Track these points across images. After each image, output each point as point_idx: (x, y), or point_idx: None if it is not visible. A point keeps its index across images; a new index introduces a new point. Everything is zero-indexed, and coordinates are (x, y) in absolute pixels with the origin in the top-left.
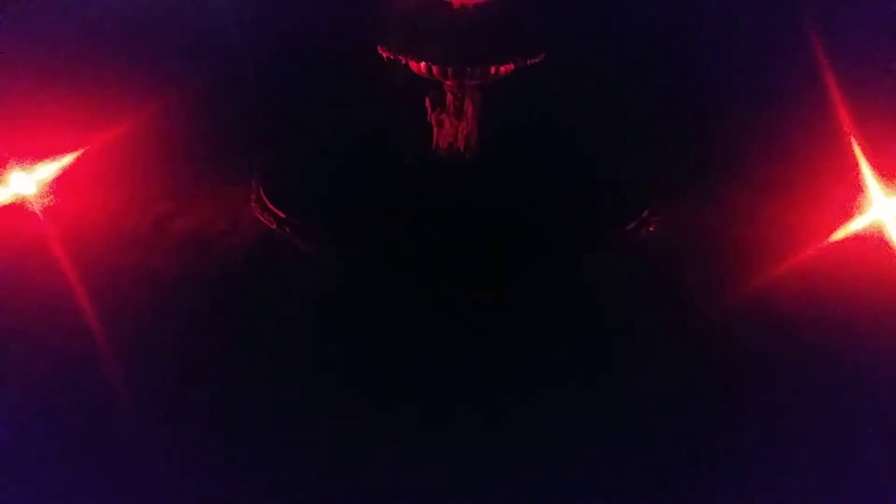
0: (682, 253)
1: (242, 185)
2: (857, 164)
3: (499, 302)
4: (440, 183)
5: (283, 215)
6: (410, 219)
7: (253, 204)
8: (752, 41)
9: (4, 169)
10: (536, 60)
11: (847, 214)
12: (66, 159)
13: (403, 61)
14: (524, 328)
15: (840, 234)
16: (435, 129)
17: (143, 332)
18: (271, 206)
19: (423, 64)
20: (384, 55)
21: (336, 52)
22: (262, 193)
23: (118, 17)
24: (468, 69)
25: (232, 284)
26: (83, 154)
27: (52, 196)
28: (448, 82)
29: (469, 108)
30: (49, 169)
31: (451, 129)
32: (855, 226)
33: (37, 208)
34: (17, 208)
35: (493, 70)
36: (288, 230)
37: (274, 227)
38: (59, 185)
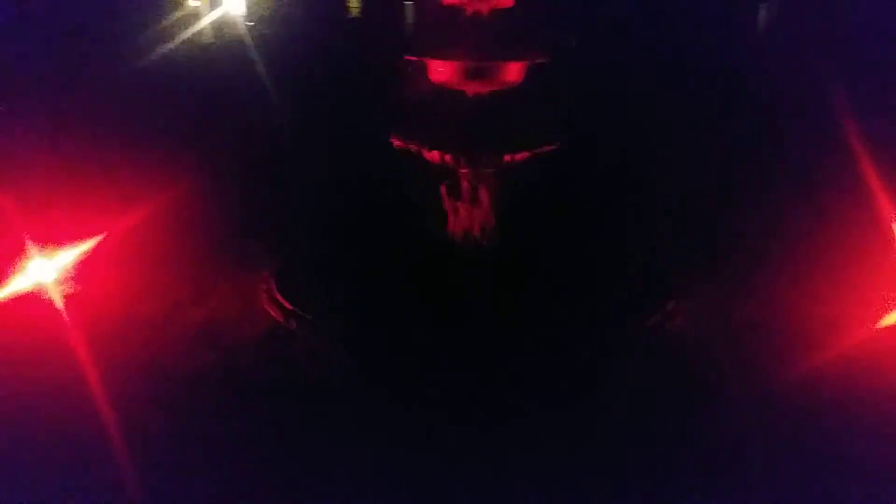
0: (712, 350)
1: (258, 269)
2: None
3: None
4: (455, 275)
5: (290, 307)
6: (420, 320)
7: (263, 294)
8: (780, 111)
9: (24, 255)
10: (552, 148)
11: (890, 303)
12: (88, 244)
13: (415, 149)
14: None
15: (885, 322)
16: (450, 217)
17: (152, 434)
18: (280, 298)
19: (435, 152)
20: (396, 144)
21: (351, 135)
22: (273, 283)
23: (137, 101)
24: (482, 157)
25: (239, 382)
26: (105, 237)
27: (70, 283)
28: (463, 170)
29: (485, 195)
30: (69, 254)
31: (466, 217)
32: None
33: (55, 297)
34: (35, 297)
35: (508, 158)
36: (294, 324)
37: (281, 320)
38: (79, 270)
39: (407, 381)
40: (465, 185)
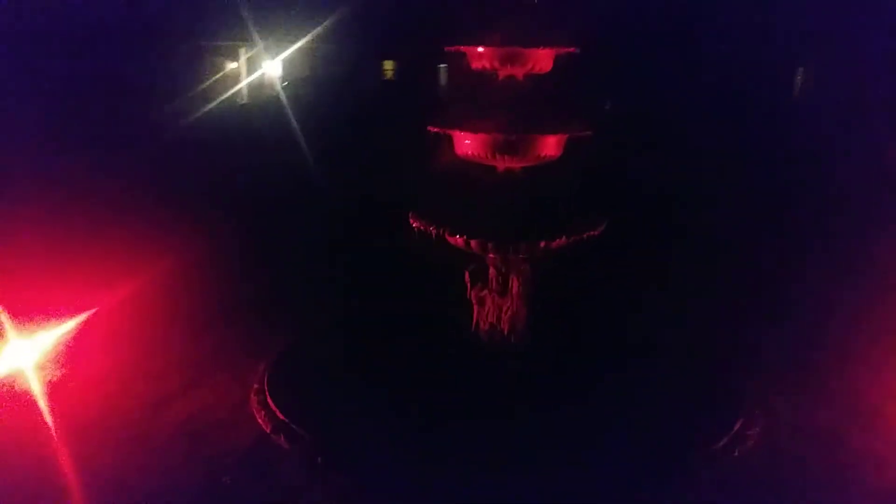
0: (792, 477)
1: (252, 360)
2: None
3: None
4: (479, 381)
5: (281, 416)
6: (434, 451)
7: (253, 396)
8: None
9: (3, 336)
10: (594, 234)
11: None
12: (71, 323)
13: (436, 233)
14: None
15: None
16: (475, 309)
17: None
18: (271, 403)
19: (459, 237)
20: (415, 225)
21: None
22: (265, 381)
23: (152, 164)
24: (513, 245)
25: (215, 500)
26: (91, 316)
27: (51, 367)
28: (490, 255)
29: (515, 284)
30: (52, 335)
31: (493, 309)
32: None
33: (31, 385)
34: (11, 384)
35: (542, 244)
36: (283, 440)
37: (268, 430)
38: (61, 353)
39: None
40: (492, 272)
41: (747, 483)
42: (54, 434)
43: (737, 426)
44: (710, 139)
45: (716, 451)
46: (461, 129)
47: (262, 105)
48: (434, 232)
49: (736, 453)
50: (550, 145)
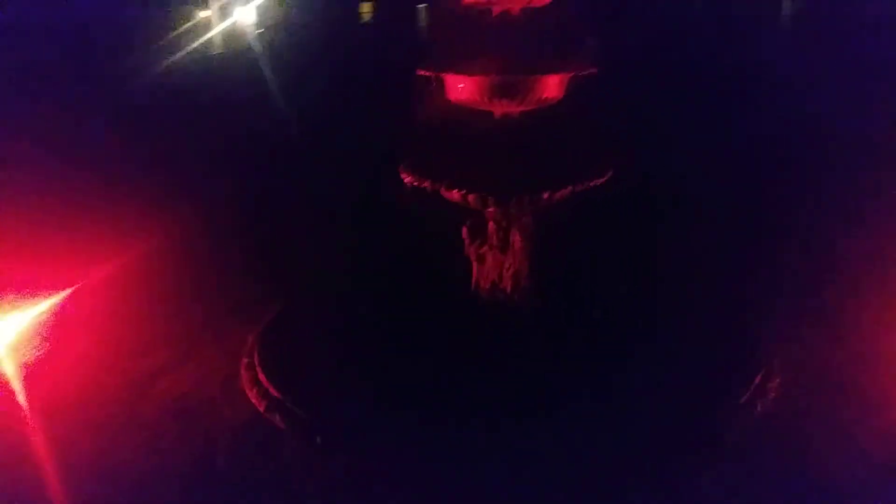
0: (814, 426)
1: (243, 331)
2: None
3: None
4: (479, 342)
5: (276, 394)
6: (431, 420)
7: (243, 371)
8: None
9: None
10: (601, 181)
11: None
12: (52, 301)
13: (430, 188)
14: None
15: None
16: (475, 266)
17: None
18: (263, 380)
19: (456, 192)
20: (406, 179)
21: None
22: (255, 358)
23: (133, 120)
24: (514, 198)
25: (208, 489)
26: (76, 291)
27: (30, 347)
28: (490, 209)
29: (517, 239)
30: (31, 314)
31: (494, 266)
32: None
33: (10, 364)
34: None
35: (546, 196)
36: (279, 419)
37: (262, 409)
38: (41, 333)
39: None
40: (492, 226)
41: (772, 441)
42: (31, 416)
43: (757, 379)
44: (719, 74)
45: (742, 405)
46: (454, 72)
47: (236, 55)
48: (428, 186)
49: (759, 408)
50: (552, 86)
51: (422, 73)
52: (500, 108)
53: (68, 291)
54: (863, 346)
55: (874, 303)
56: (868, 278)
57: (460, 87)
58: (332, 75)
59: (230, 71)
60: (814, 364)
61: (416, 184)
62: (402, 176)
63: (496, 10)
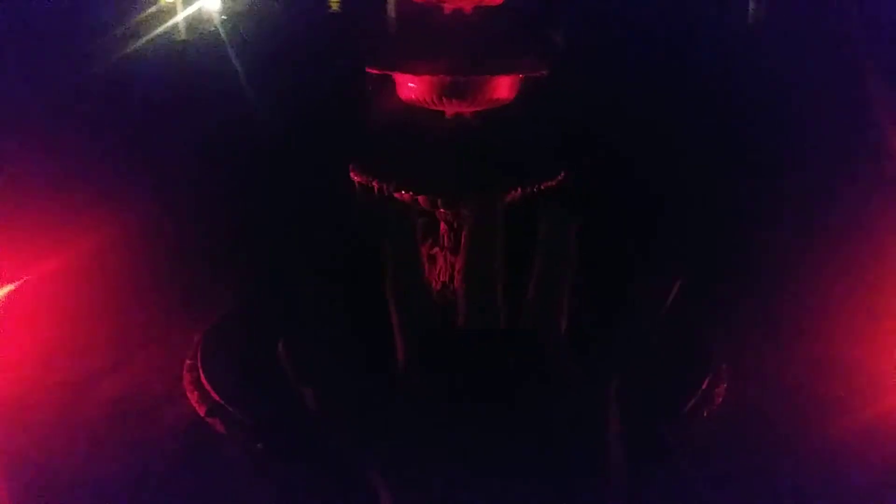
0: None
1: (204, 317)
2: None
3: None
4: (437, 344)
5: (217, 397)
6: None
7: (185, 373)
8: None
9: None
10: (555, 183)
11: None
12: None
13: (380, 188)
14: None
15: None
16: (426, 266)
17: None
18: (205, 382)
19: (405, 193)
20: (356, 180)
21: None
22: (198, 359)
23: (91, 108)
24: (463, 199)
25: (147, 488)
26: (18, 287)
27: None
28: (440, 210)
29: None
30: None
31: (446, 267)
32: None
33: None
34: None
35: (496, 196)
36: (219, 424)
37: (203, 413)
38: None
39: None
40: (442, 227)
41: (717, 445)
42: None
43: (703, 384)
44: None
45: (684, 414)
46: (402, 71)
47: (202, 42)
48: (377, 187)
49: (704, 414)
50: (503, 87)
51: (370, 70)
52: (451, 108)
53: (9, 288)
54: (815, 353)
55: (828, 310)
56: (823, 285)
57: (410, 87)
58: (297, 67)
59: (195, 59)
60: (764, 370)
61: (365, 183)
62: (352, 176)
63: (448, 8)
